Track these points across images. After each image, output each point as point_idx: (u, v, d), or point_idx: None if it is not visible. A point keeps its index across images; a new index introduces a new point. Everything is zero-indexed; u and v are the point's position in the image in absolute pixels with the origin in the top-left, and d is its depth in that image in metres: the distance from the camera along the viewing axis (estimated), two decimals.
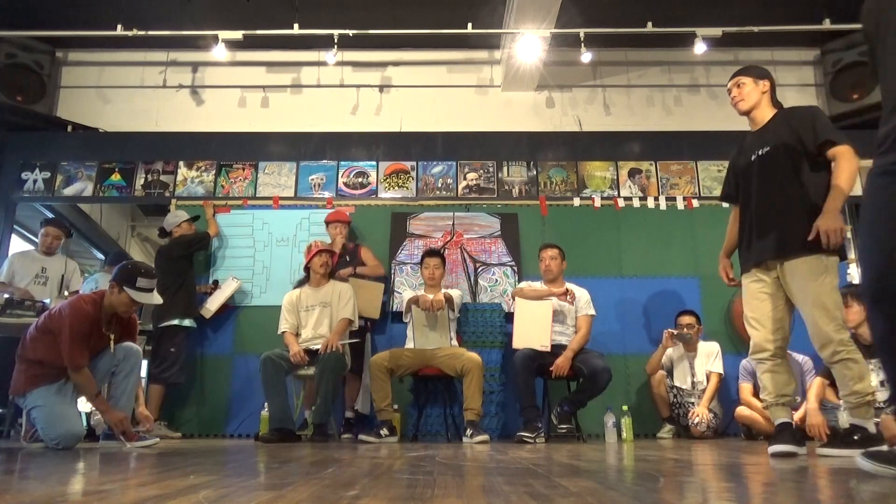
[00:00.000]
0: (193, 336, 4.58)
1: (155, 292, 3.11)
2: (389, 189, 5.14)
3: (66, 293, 4.56)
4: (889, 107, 1.61)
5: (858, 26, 4.99)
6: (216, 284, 4.76)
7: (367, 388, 4.20)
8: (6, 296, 4.07)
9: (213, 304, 4.63)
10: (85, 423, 3.42)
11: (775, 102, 2.74)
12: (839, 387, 2.47)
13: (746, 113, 2.75)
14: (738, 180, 2.77)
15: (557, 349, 3.88)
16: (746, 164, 2.70)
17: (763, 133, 2.68)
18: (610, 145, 5.25)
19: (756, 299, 2.63)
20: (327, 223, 4.65)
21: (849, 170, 2.40)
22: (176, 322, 4.30)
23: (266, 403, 3.90)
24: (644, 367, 4.42)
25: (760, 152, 2.64)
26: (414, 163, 5.21)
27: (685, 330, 4.26)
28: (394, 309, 4.71)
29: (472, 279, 4.85)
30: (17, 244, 5.85)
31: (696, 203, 5.02)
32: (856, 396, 2.37)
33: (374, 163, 5.21)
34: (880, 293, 1.57)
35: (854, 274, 4.69)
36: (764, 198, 2.61)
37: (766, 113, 2.70)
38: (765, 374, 2.61)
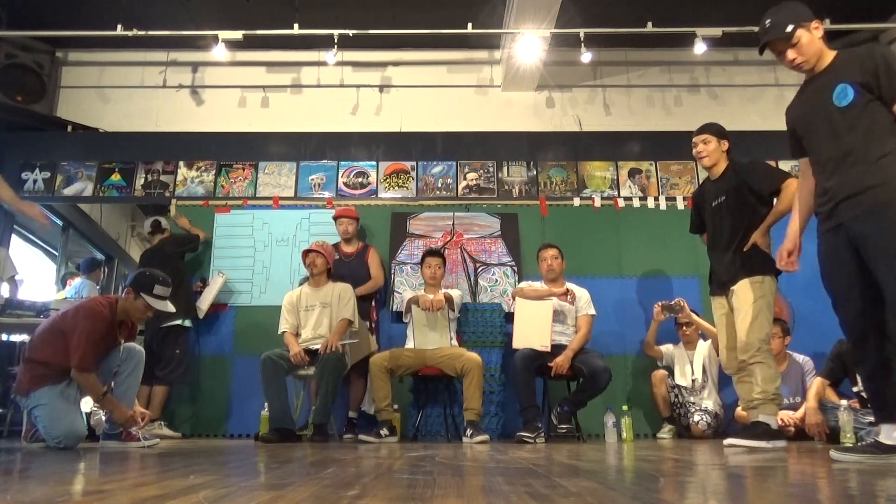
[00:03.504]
0: (192, 335, 4.60)
1: (169, 301, 3.15)
2: (389, 189, 5.14)
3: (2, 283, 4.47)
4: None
5: (859, 26, 5.02)
6: (204, 282, 4.74)
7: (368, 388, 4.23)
8: (6, 296, 4.07)
9: (204, 303, 4.60)
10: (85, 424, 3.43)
11: (729, 157, 3.28)
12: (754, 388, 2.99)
13: (708, 168, 3.31)
14: (704, 219, 3.38)
15: (557, 349, 3.88)
16: (709, 210, 3.30)
17: (719, 183, 3.26)
18: (610, 145, 5.25)
19: (723, 326, 3.22)
20: (335, 219, 4.65)
21: (785, 199, 2.98)
22: (179, 322, 4.30)
23: (266, 403, 3.90)
24: (643, 368, 4.42)
25: (718, 201, 3.23)
26: (414, 163, 5.21)
27: (675, 302, 4.30)
28: (394, 309, 4.71)
29: (472, 279, 4.85)
30: (17, 244, 5.87)
31: None
32: (763, 394, 2.94)
33: (374, 163, 5.21)
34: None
35: None
36: (723, 238, 3.18)
37: (721, 167, 3.27)
38: (735, 386, 3.23)
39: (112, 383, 3.10)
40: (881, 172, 2.01)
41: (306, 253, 4.15)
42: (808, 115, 2.26)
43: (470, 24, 4.94)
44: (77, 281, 5.57)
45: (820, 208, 2.20)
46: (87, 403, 3.23)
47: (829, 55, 2.25)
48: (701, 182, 3.52)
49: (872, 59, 2.09)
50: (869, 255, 2.03)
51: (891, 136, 2.04)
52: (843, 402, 3.29)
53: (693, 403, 4.19)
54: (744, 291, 3.03)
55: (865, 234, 2.03)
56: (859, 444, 2.08)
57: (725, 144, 3.27)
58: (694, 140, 3.31)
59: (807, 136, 2.27)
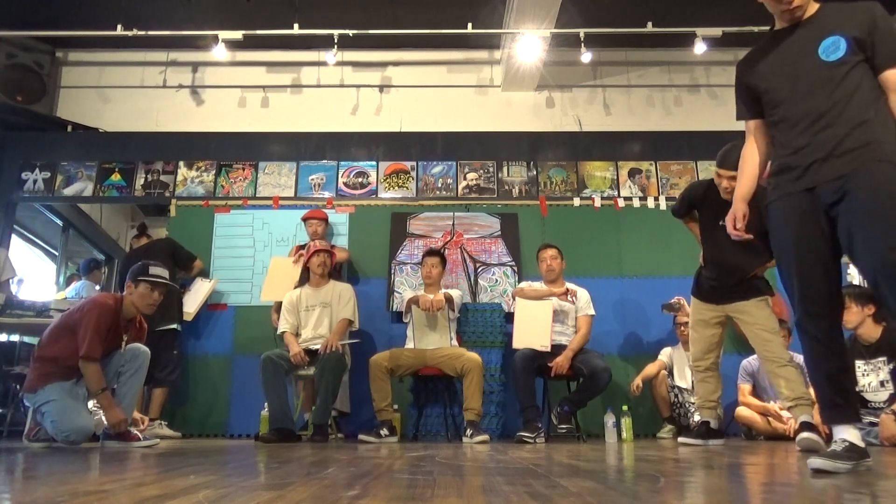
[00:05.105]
0: (191, 336, 4.63)
1: (166, 273, 3.24)
2: (389, 189, 5.14)
3: None
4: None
5: None
6: (185, 288, 4.68)
7: (344, 386, 4.22)
8: (5, 296, 4.07)
9: (191, 307, 4.57)
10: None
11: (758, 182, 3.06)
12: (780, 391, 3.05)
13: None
14: (701, 214, 3.38)
15: (557, 349, 3.88)
16: (714, 226, 3.19)
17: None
18: (610, 145, 5.25)
19: (702, 335, 3.36)
20: (304, 220, 4.67)
21: None
22: (174, 326, 4.34)
23: (266, 403, 3.90)
24: (642, 371, 4.41)
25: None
26: (414, 163, 5.21)
27: (674, 301, 4.33)
28: (394, 309, 4.71)
29: (472, 279, 4.85)
30: (17, 244, 5.87)
31: None
32: (803, 395, 2.91)
33: (374, 163, 5.21)
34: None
35: (854, 274, 4.69)
36: (726, 264, 3.22)
37: None
38: (697, 384, 3.42)
39: (116, 384, 3.13)
40: (863, 136, 1.82)
41: (317, 252, 4.13)
42: (783, 68, 2.02)
43: (470, 24, 4.94)
44: (78, 283, 5.58)
45: (785, 166, 1.98)
46: (91, 403, 3.25)
47: (814, 5, 2.02)
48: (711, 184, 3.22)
49: (871, 15, 1.91)
50: (848, 219, 1.81)
51: (873, 103, 1.86)
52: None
53: (693, 403, 4.18)
54: (759, 309, 3.18)
55: (845, 195, 1.81)
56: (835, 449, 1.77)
57: None
58: (720, 173, 3.04)
59: (776, 91, 2.03)
